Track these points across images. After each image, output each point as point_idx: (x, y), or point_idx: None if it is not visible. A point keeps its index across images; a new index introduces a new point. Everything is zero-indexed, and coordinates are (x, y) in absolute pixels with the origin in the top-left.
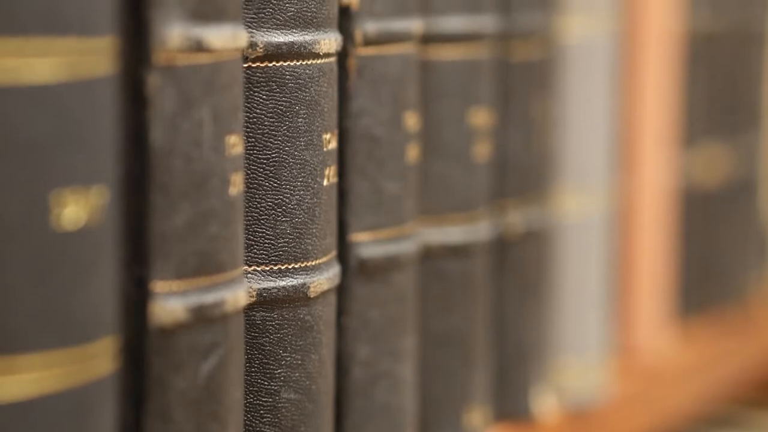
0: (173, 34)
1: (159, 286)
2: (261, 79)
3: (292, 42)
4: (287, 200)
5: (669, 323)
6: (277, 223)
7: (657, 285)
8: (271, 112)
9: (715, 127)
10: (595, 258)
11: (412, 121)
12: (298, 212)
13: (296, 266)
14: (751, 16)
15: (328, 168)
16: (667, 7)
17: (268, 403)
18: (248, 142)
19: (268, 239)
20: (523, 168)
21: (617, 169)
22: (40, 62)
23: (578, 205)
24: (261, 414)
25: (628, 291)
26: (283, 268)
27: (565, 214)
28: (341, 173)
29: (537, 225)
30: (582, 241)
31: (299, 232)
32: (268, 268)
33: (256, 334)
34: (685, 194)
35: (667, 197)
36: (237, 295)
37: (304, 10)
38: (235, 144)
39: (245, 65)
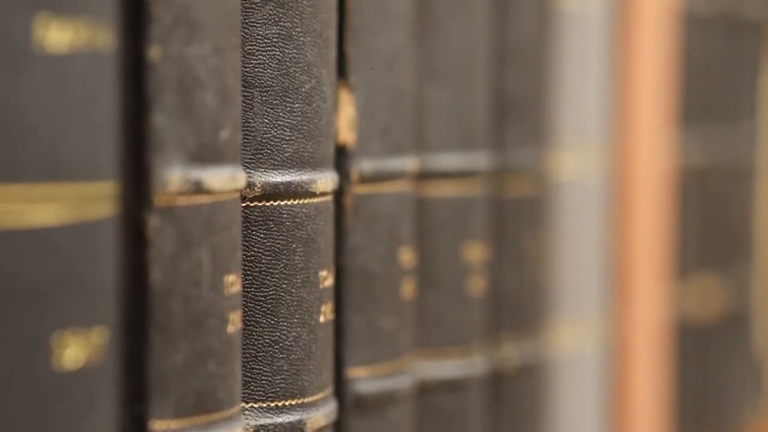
0: (173, 177)
1: (157, 424)
2: (258, 218)
3: (290, 182)
4: (284, 337)
5: None
6: (274, 359)
7: (653, 418)
8: (268, 251)
9: (707, 261)
10: (590, 391)
11: (407, 256)
12: (294, 349)
13: (293, 403)
14: (741, 152)
15: (324, 305)
16: (657, 142)
17: None
18: (246, 280)
19: (265, 376)
20: (517, 302)
21: (611, 303)
22: (43, 207)
23: (573, 339)
24: None
25: (624, 424)
26: (279, 404)
27: (559, 347)
28: (337, 309)
29: (531, 359)
30: (577, 374)
31: (296, 369)
32: (265, 405)
33: None
34: (680, 327)
35: (662, 330)
36: None
37: (300, 151)
38: (234, 283)
39: (243, 204)
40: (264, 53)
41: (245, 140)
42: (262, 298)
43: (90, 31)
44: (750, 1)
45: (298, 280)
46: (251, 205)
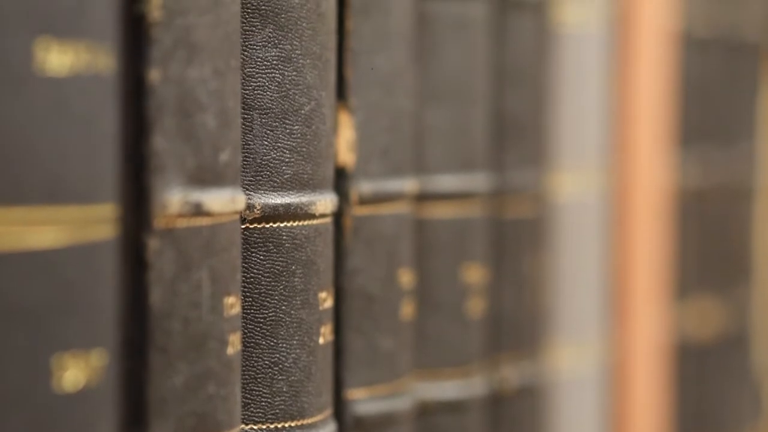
0: (173, 199)
1: None
2: (258, 239)
3: (289, 203)
4: (284, 359)
5: None
6: (274, 381)
7: None
8: (267, 272)
9: (707, 281)
10: (589, 412)
11: (406, 278)
12: (294, 371)
13: (292, 424)
14: (740, 173)
15: (323, 326)
16: (656, 163)
17: None
18: (245, 301)
19: (264, 398)
20: (516, 323)
21: (610, 323)
22: (43, 229)
23: (572, 360)
24: None
25: None
26: (279, 426)
27: (559, 368)
28: (337, 330)
29: (531, 380)
30: (576, 395)
31: (295, 391)
32: (264, 427)
33: None
34: (679, 348)
35: (661, 351)
36: None
37: (300, 173)
38: (233, 304)
39: (243, 226)
40: (264, 75)
41: (245, 162)
42: (262, 320)
43: (90, 53)
44: (748, 22)
45: (298, 302)
46: (251, 226)
